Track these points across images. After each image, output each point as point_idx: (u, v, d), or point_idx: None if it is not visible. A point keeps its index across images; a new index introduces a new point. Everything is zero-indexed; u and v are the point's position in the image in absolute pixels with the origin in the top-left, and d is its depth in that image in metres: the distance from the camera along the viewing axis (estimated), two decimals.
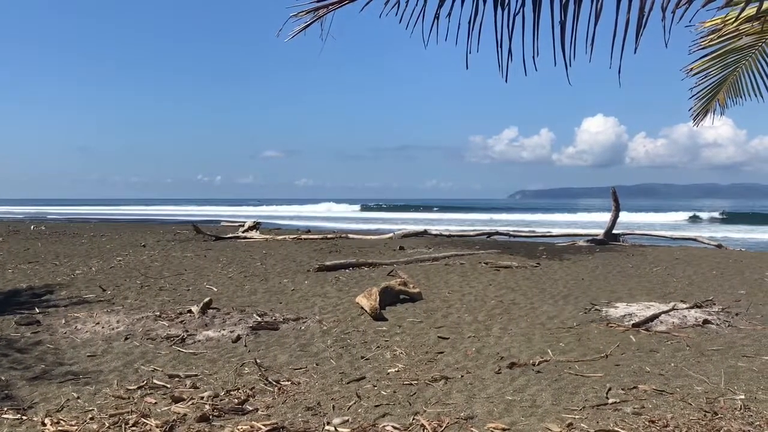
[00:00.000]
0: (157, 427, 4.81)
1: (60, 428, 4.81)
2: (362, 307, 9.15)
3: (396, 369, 6.47)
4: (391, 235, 23.77)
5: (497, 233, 26.40)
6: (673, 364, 6.52)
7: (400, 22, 2.95)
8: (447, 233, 25.63)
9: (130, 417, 5.00)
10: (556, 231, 28.58)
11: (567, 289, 11.42)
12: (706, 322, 8.41)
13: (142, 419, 4.95)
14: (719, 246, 21.57)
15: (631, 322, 8.41)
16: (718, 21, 4.67)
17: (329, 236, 22.57)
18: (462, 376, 6.18)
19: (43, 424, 4.87)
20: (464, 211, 77.05)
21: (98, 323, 8.39)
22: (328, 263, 13.77)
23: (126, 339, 7.67)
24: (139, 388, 5.84)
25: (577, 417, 4.99)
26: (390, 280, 10.80)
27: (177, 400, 5.45)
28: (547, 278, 12.72)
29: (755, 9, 3.05)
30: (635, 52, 2.76)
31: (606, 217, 24.11)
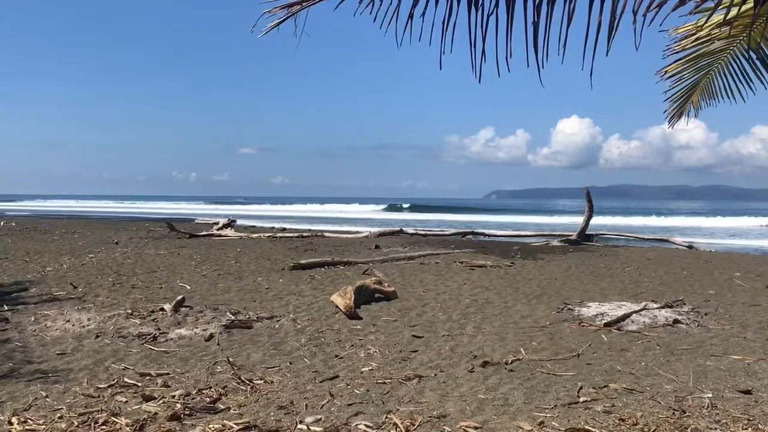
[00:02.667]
0: (127, 426, 4.76)
1: (27, 427, 4.73)
2: (337, 306, 9.14)
3: (370, 368, 6.47)
4: (367, 233, 23.79)
5: (472, 233, 26.53)
6: (643, 363, 6.61)
7: (374, 21, 2.95)
8: (423, 232, 25.71)
9: (100, 416, 4.93)
10: (530, 231, 28.79)
11: (540, 288, 11.52)
12: (676, 321, 8.54)
13: (112, 418, 4.89)
14: (690, 247, 21.92)
15: (603, 322, 8.50)
16: (691, 27, 4.74)
17: (305, 234, 22.53)
18: (435, 375, 6.20)
19: (10, 423, 4.80)
20: (443, 211, 76.69)
21: (69, 321, 8.27)
22: (303, 262, 13.75)
23: (97, 337, 7.58)
24: (109, 386, 5.77)
25: (548, 415, 5.04)
26: (365, 279, 10.81)
27: (148, 398, 5.40)
28: (520, 278, 12.82)
29: (723, 15, 3.11)
30: (607, 55, 2.79)
31: (581, 218, 24.32)
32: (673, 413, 5.07)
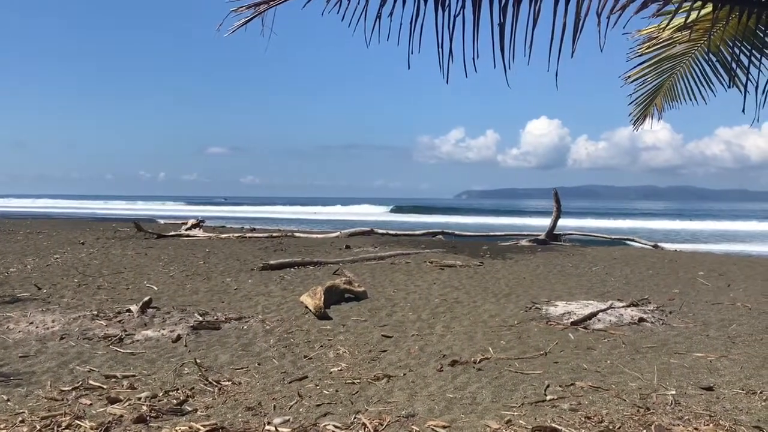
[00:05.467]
0: (91, 429, 4.68)
1: None
2: (306, 306, 9.11)
3: (339, 368, 6.46)
4: (338, 233, 23.75)
5: (443, 233, 26.63)
6: (609, 361, 6.70)
7: (342, 20, 2.95)
8: (393, 232, 25.73)
9: (63, 419, 4.84)
10: (499, 231, 29.00)
11: (509, 287, 11.62)
12: (641, 320, 8.67)
13: (76, 421, 4.81)
14: (655, 246, 22.29)
15: (570, 320, 8.60)
16: (653, 29, 4.82)
17: (275, 234, 22.41)
18: (404, 375, 6.21)
19: None
20: (419, 212, 76.17)
21: (32, 323, 8.12)
22: (272, 262, 13.67)
23: (61, 339, 7.45)
24: (73, 389, 5.67)
25: (515, 414, 5.08)
26: (335, 279, 10.79)
27: (113, 401, 5.32)
28: (490, 277, 12.91)
29: (684, 19, 3.17)
30: (572, 56, 2.82)
31: (549, 218, 24.56)
32: (638, 410, 5.15)
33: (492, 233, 27.66)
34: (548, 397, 5.48)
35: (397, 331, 8.17)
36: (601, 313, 8.88)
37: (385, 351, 7.17)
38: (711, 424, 4.87)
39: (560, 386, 5.81)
